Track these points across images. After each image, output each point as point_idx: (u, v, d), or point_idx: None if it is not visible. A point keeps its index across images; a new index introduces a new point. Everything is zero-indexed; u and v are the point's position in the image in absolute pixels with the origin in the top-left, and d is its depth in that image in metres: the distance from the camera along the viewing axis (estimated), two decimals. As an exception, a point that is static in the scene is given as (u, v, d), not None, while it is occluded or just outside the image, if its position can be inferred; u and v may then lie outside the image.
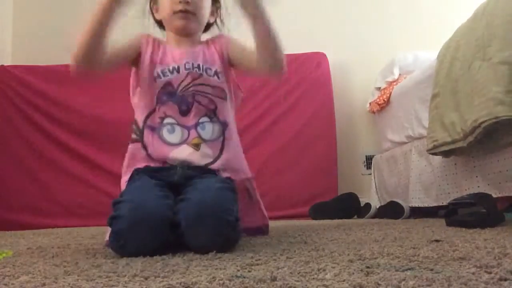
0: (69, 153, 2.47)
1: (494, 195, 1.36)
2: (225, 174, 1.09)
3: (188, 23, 1.16)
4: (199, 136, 1.10)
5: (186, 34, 1.19)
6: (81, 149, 2.47)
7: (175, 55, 1.16)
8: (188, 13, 1.14)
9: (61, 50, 2.72)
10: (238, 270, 0.64)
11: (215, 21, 1.28)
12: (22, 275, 0.65)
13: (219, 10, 1.28)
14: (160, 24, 1.26)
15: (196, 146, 1.09)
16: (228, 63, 1.20)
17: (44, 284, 0.56)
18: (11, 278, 0.62)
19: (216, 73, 1.16)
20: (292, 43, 2.68)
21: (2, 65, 2.59)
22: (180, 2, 1.13)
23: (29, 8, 2.85)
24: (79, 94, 2.54)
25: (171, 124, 1.10)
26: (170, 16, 1.16)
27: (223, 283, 0.54)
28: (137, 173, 1.06)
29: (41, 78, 2.56)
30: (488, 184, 1.44)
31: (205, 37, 1.27)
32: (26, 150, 2.46)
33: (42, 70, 2.58)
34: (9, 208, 2.34)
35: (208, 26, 1.27)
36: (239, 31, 1.19)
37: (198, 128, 1.11)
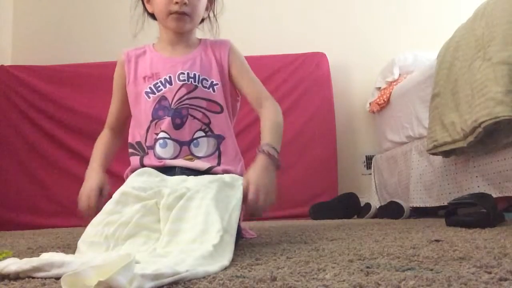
0: (69, 153, 2.47)
1: (494, 195, 1.36)
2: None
3: (183, 25, 1.11)
4: (192, 154, 1.07)
5: (180, 33, 1.15)
6: (81, 149, 2.46)
7: (167, 63, 1.12)
8: (184, 14, 1.09)
9: (61, 50, 2.75)
10: (238, 270, 0.64)
11: (208, 15, 1.22)
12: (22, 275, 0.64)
13: (213, 4, 1.22)
14: (152, 15, 1.20)
15: (190, 159, 1.07)
16: (226, 74, 1.15)
17: (44, 284, 0.56)
18: (11, 278, 0.62)
19: (212, 85, 1.11)
20: (292, 43, 2.72)
21: (2, 65, 2.59)
22: (176, 2, 1.07)
23: (29, 8, 2.85)
24: (79, 94, 2.54)
25: (163, 138, 1.07)
26: (164, 16, 1.10)
27: (223, 283, 0.54)
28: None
29: (41, 78, 2.56)
30: (488, 184, 1.44)
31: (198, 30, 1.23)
32: (26, 150, 2.47)
33: (42, 70, 2.58)
34: (9, 208, 2.34)
35: (201, 20, 1.21)
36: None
37: (192, 146, 1.07)
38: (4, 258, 0.89)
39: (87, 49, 2.74)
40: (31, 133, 2.49)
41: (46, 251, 1.01)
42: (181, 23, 1.11)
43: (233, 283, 0.53)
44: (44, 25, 2.83)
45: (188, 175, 1.02)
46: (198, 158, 1.07)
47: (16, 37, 2.82)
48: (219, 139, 1.10)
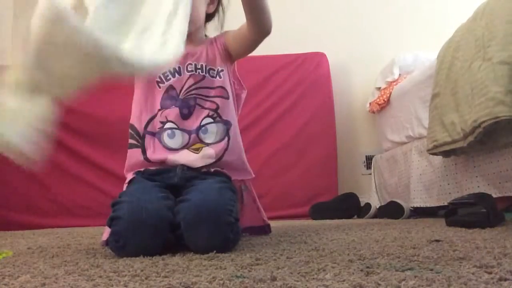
0: (69, 153, 2.47)
1: (494, 195, 1.36)
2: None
3: None
4: (201, 141, 1.07)
5: None
6: (81, 149, 2.47)
7: None
8: None
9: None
10: (238, 270, 0.64)
11: (217, 9, 1.22)
12: (22, 275, 0.65)
13: None
14: None
15: (196, 150, 1.07)
16: (228, 58, 1.16)
17: (44, 284, 0.56)
18: (11, 278, 0.62)
19: (218, 72, 1.13)
20: (292, 43, 2.72)
21: (2, 65, 2.58)
22: None
23: (29, 8, 2.85)
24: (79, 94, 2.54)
25: (171, 128, 1.07)
26: None
27: (223, 283, 0.54)
28: (137, 174, 1.05)
29: (41, 78, 2.56)
30: (488, 184, 1.44)
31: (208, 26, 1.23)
32: (26, 150, 2.46)
33: (42, 70, 2.58)
34: (9, 208, 2.34)
35: (210, 16, 1.21)
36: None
37: (200, 133, 1.07)
38: (4, 258, 0.89)
39: (87, 49, 2.73)
40: (31, 133, 2.48)
41: (46, 251, 1.01)
42: None
43: (233, 283, 0.53)
44: (44, 25, 2.82)
45: (189, 176, 1.02)
46: (207, 145, 1.07)
47: (16, 37, 2.81)
48: (228, 125, 1.11)
